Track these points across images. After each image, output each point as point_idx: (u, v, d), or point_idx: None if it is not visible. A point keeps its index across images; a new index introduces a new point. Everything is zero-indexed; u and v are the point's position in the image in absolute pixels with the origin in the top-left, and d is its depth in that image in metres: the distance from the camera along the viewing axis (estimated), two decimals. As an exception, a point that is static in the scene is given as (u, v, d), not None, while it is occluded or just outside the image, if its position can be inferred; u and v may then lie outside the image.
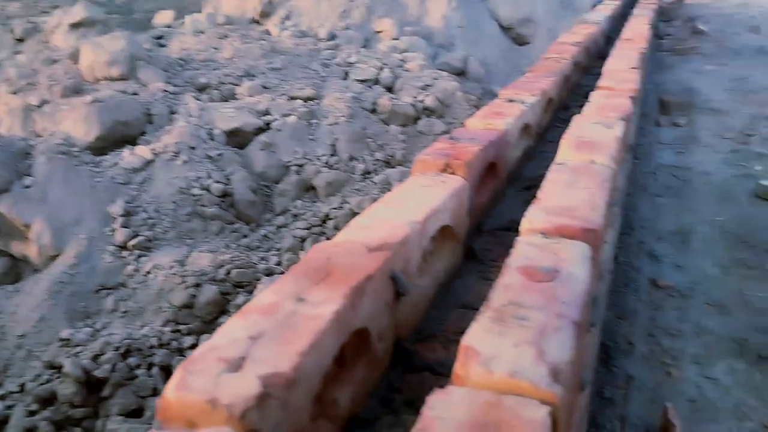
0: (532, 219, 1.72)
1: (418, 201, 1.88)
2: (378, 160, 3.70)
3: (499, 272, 1.72)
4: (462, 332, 1.73)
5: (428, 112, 4.05)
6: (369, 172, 3.66)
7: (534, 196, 2.42)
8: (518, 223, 2.29)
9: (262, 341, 1.30)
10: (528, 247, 1.61)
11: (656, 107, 5.58)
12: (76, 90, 5.43)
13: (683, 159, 4.50)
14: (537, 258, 1.54)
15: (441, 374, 1.59)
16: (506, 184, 2.64)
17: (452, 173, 2.05)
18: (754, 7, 9.76)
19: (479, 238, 2.38)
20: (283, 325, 1.35)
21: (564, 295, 1.41)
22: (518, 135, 2.59)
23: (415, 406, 1.61)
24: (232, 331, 1.37)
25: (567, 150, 2.11)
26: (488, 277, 1.60)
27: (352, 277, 1.48)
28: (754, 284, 3.03)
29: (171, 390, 1.24)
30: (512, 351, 1.25)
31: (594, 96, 2.72)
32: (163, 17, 7.57)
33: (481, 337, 1.28)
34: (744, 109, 5.32)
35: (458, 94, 4.15)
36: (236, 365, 1.28)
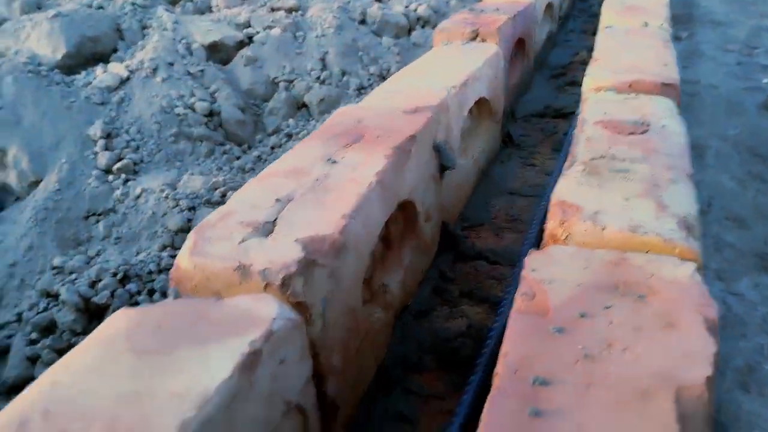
0: (596, 77, 1.57)
1: (451, 67, 1.67)
2: (372, 74, 3.46)
3: (540, 158, 1.59)
4: (513, 219, 1.61)
5: (422, 21, 3.79)
6: (364, 88, 3.43)
7: (566, 83, 2.29)
8: (555, 109, 2.16)
9: (293, 204, 1.11)
10: (602, 102, 1.46)
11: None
12: (37, 5, 5.04)
13: (689, 73, 4.35)
14: (617, 112, 1.38)
15: (496, 263, 1.46)
16: (534, 70, 2.47)
17: (482, 41, 1.84)
18: None
19: (514, 124, 2.24)
20: (316, 188, 1.15)
21: (666, 146, 1.27)
22: (542, 13, 2.43)
23: (472, 297, 1.49)
24: (251, 195, 1.17)
25: (612, 15, 2.00)
26: (530, 162, 1.47)
27: (393, 138, 1.29)
28: (771, 197, 2.97)
29: (185, 257, 1.05)
30: (623, 204, 1.06)
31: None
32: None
33: (576, 191, 1.09)
34: (746, 21, 5.17)
35: (453, 2, 3.88)
36: (266, 229, 1.08)
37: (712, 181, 3.07)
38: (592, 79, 1.58)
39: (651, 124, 1.31)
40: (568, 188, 1.14)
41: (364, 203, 1.16)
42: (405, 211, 1.38)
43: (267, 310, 0.90)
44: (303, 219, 1.11)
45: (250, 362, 0.86)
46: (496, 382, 0.84)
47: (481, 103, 1.80)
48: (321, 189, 1.20)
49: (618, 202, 1.11)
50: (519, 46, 2.24)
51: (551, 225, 1.06)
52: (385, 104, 1.51)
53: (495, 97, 1.83)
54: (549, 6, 2.55)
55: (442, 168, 1.49)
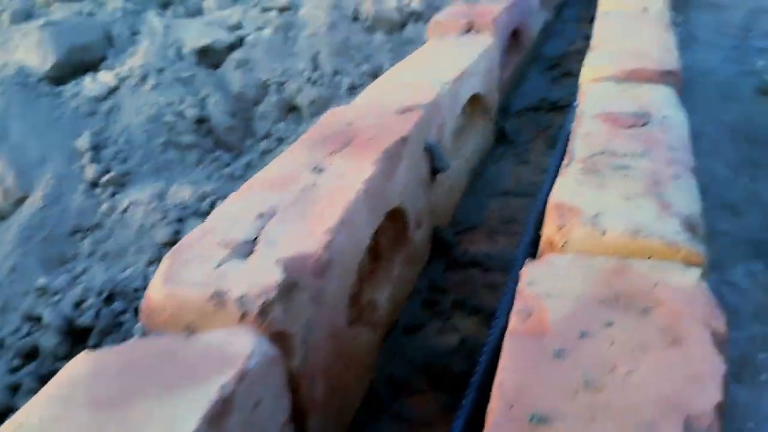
0: (596, 65, 1.49)
1: (444, 62, 1.59)
2: (364, 72, 3.41)
3: (535, 154, 1.52)
4: (507, 221, 1.54)
5: (415, 16, 3.72)
6: (356, 87, 3.37)
7: (561, 74, 2.23)
8: (550, 102, 2.08)
9: (276, 219, 1.02)
10: (601, 93, 1.38)
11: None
12: (27, 14, 4.98)
13: (684, 58, 4.30)
14: (616, 104, 1.30)
15: (490, 269, 1.39)
16: (529, 62, 2.40)
17: (478, 33, 1.77)
18: None
19: (508, 120, 2.16)
20: (300, 200, 1.06)
21: (668, 139, 1.19)
22: (538, 2, 2.36)
23: (465, 307, 1.41)
24: (232, 210, 1.10)
25: (610, 0, 1.93)
26: (525, 159, 1.40)
27: (383, 140, 1.21)
28: (765, 184, 2.92)
29: (157, 285, 0.97)
30: (624, 205, 0.99)
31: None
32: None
33: (575, 192, 1.00)
34: (741, 4, 5.11)
35: (450, 3, 3.82)
36: (245, 249, 1.00)
37: (706, 168, 3.01)
38: (590, 69, 1.50)
39: (652, 116, 1.24)
40: (566, 189, 1.07)
41: (350, 215, 1.09)
42: (394, 219, 1.30)
43: (242, 346, 0.83)
44: (285, 236, 1.03)
45: (221, 410, 0.78)
46: (490, 419, 0.79)
47: (474, 99, 1.73)
48: (306, 201, 1.13)
49: (618, 203, 1.04)
50: (514, 37, 2.17)
51: (548, 231, 1.00)
52: (377, 104, 1.43)
53: (489, 92, 1.76)
54: (546, -5, 2.49)
55: (434, 170, 1.41)
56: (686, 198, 1.02)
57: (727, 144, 3.19)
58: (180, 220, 2.80)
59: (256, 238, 1.05)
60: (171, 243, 2.68)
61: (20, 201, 3.18)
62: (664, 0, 1.92)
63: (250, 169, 3.20)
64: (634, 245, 0.98)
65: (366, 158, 1.20)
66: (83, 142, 3.40)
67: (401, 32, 3.59)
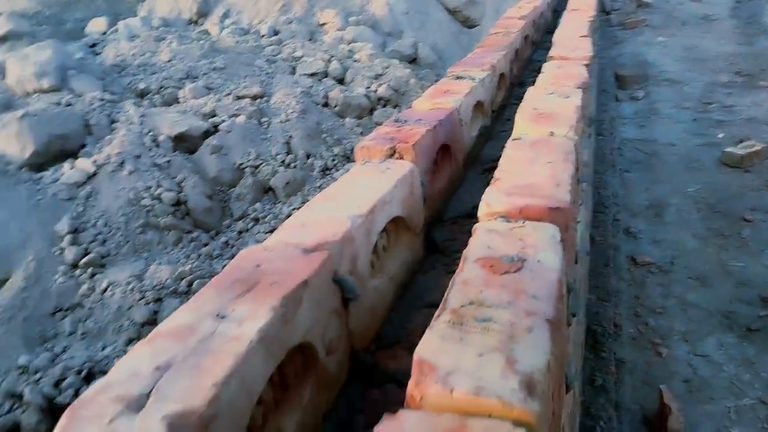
0: (491, 202, 1.49)
1: (361, 192, 1.63)
2: (336, 155, 3.52)
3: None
4: None
5: (383, 101, 3.88)
6: (329, 169, 3.48)
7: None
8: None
9: (171, 372, 1.06)
10: (488, 234, 1.38)
11: (613, 82, 5.55)
12: (6, 106, 5.10)
13: (646, 132, 4.46)
14: (499, 246, 1.31)
15: (407, 385, 1.38)
16: (465, 168, 2.46)
17: (400, 158, 1.81)
18: (695, -24, 9.86)
19: (441, 228, 2.18)
20: (197, 351, 1.10)
21: (533, 287, 1.20)
22: (471, 113, 2.40)
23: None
24: (134, 363, 1.12)
25: (523, 124, 1.90)
26: (454, 269, 1.43)
27: (284, 284, 1.25)
28: (732, 254, 2.99)
29: None
30: (476, 362, 1.02)
31: (547, 66, 2.52)
32: (96, 25, 7.20)
33: (437, 347, 1.05)
34: (699, 78, 5.33)
35: (412, 80, 4.00)
36: (138, 404, 1.03)
37: (674, 239, 3.10)
38: (486, 205, 1.54)
39: (527, 260, 1.28)
40: (429, 344, 1.12)
41: (241, 365, 1.11)
42: (302, 350, 1.33)
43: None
44: (176, 389, 1.05)
45: None
46: None
47: (397, 220, 1.78)
48: (203, 351, 1.14)
49: (473, 360, 1.08)
50: (445, 150, 2.24)
51: (411, 386, 1.04)
52: (287, 242, 1.46)
53: (411, 213, 1.81)
54: (479, 104, 2.57)
55: (346, 300, 1.44)
56: (533, 354, 1.07)
57: (694, 215, 3.28)
58: (158, 300, 2.84)
59: (150, 392, 1.06)
60: (150, 322, 2.71)
61: (2, 283, 3.20)
62: (572, 122, 1.94)
63: (228, 248, 3.26)
64: (476, 404, 1.02)
65: (265, 304, 1.22)
66: (63, 225, 3.46)
67: (371, 116, 3.73)
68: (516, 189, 1.46)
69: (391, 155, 1.81)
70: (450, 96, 2.30)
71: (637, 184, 3.75)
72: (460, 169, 2.30)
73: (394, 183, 1.61)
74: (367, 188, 1.64)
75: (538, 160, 1.60)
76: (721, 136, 4.17)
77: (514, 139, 1.83)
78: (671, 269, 2.93)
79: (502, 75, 2.71)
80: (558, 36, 3.02)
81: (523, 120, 1.90)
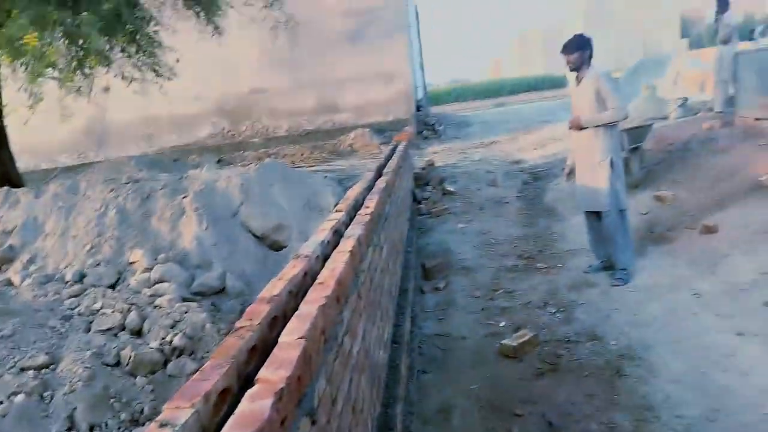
0: None
1: None
2: (123, 420, 3.43)
3: None
4: None
5: (178, 351, 3.92)
6: (113, 440, 3.37)
7: None
8: None
9: None
10: None
11: (420, 273, 5.96)
12: None
13: (444, 326, 4.76)
14: None
15: None
16: None
17: None
18: (490, 161, 11.19)
19: None
20: None
21: None
22: None
23: None
24: None
25: None
26: None
27: None
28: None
29: None
30: None
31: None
32: None
33: None
34: (489, 264, 5.86)
35: (208, 326, 4.09)
36: None
37: (460, 447, 3.24)
38: None
39: None
40: None
41: None
42: None
43: None
44: None
45: None
46: None
47: None
48: None
49: None
50: None
51: None
52: None
53: None
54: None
55: None
56: None
57: (475, 416, 3.47)
58: None
59: None
60: None
61: None
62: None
63: None
64: None
65: None
66: None
67: (165, 369, 3.73)
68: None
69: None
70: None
71: (432, 387, 3.94)
72: None
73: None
74: None
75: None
76: (502, 324, 4.53)
77: None
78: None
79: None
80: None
81: None
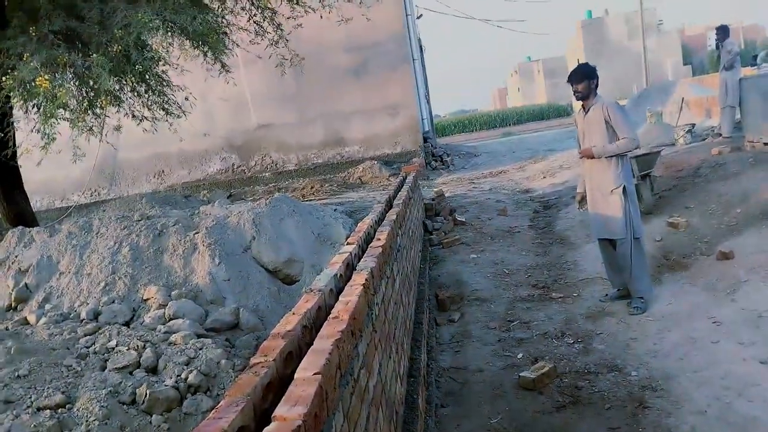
0: None
1: None
2: (140, 461, 3.40)
3: None
4: None
5: (194, 389, 3.89)
6: (131, 481, 3.32)
7: None
8: None
9: None
10: None
11: (434, 305, 5.92)
12: None
13: (460, 359, 4.71)
14: None
15: None
16: None
17: None
18: (500, 190, 11.21)
19: None
20: None
21: None
22: None
23: None
24: None
25: None
26: None
27: None
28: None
29: None
30: None
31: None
32: None
33: None
34: (503, 294, 5.81)
35: (223, 362, 4.07)
36: None
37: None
38: None
39: None
40: None
41: None
42: None
43: None
44: None
45: None
46: None
47: None
48: None
49: None
50: None
51: None
52: None
53: None
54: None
55: None
56: None
57: (496, 457, 3.41)
58: None
59: None
60: None
61: None
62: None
63: None
64: None
65: None
66: None
67: (180, 407, 3.70)
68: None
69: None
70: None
71: (451, 421, 3.88)
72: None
73: None
74: None
75: None
76: (520, 356, 4.48)
77: None
78: None
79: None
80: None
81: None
